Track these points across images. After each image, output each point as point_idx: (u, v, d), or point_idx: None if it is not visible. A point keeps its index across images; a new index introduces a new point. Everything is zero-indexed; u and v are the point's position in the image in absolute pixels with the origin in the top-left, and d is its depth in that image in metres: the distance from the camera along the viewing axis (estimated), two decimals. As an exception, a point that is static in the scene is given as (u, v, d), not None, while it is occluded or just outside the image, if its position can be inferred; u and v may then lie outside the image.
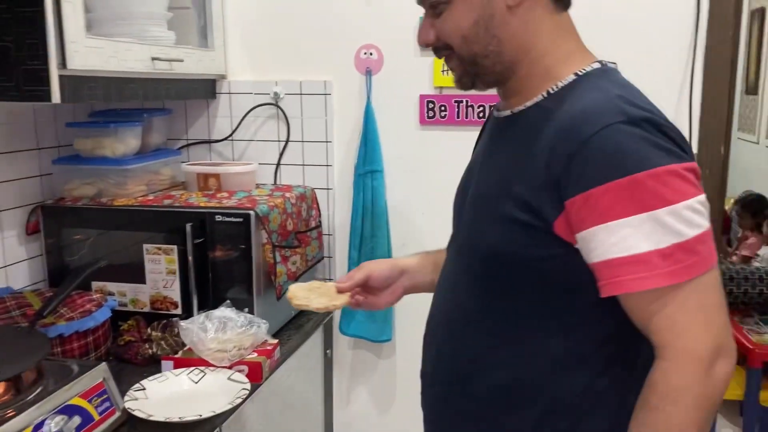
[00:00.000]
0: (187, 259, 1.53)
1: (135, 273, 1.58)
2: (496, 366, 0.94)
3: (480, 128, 1.12)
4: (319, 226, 1.83)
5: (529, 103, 0.93)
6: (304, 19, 1.84)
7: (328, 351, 1.97)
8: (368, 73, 1.82)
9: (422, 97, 1.81)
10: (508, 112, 0.97)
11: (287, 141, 1.90)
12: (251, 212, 1.51)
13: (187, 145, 1.96)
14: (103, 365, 1.24)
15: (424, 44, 0.96)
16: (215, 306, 1.54)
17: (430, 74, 1.80)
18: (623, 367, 0.90)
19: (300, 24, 1.85)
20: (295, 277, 1.68)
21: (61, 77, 1.26)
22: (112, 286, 1.61)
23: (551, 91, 0.91)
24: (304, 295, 1.15)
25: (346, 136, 1.89)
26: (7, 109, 1.59)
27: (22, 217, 1.64)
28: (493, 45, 0.91)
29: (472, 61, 0.93)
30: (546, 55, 0.92)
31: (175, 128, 1.95)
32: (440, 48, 0.95)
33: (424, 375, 1.06)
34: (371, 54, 1.82)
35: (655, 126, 0.82)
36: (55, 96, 1.25)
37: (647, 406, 0.82)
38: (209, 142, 1.94)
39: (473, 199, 0.98)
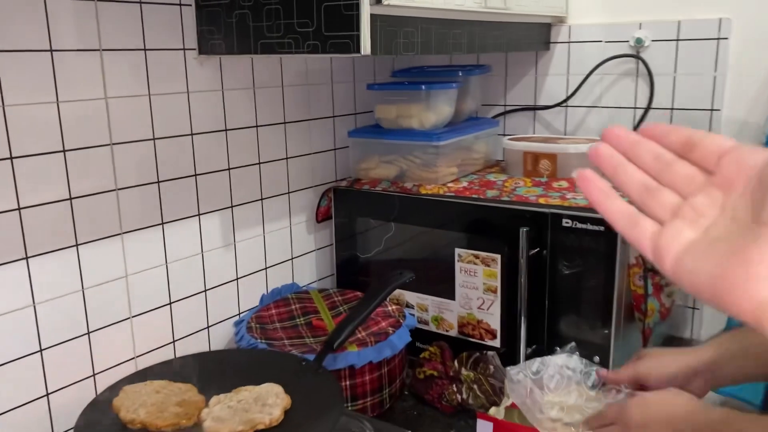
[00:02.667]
0: (516, 274, 1.09)
1: (441, 284, 1.19)
2: None
3: None
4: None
5: None
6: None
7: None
8: (800, 3, 1.16)
9: None
10: None
11: (648, 107, 1.34)
12: (618, 218, 1.00)
13: (504, 113, 1.51)
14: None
15: None
16: (549, 345, 1.09)
17: None
18: None
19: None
20: (668, 316, 1.14)
21: (373, 18, 0.88)
22: (410, 296, 1.25)
23: None
24: None
25: (744, 103, 1.26)
26: (305, 65, 1.29)
27: (312, 200, 1.35)
28: None
29: None
30: None
31: (490, 91, 1.51)
32: None
33: None
34: (810, -29, 1.16)
35: None
36: (365, 44, 0.87)
37: None
38: (535, 108, 1.47)
39: None
